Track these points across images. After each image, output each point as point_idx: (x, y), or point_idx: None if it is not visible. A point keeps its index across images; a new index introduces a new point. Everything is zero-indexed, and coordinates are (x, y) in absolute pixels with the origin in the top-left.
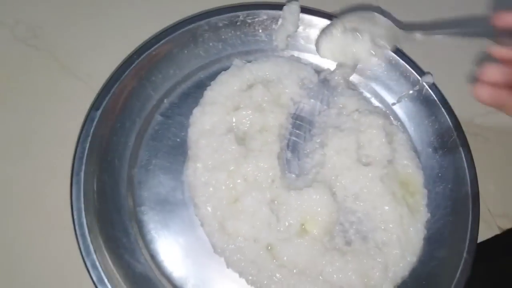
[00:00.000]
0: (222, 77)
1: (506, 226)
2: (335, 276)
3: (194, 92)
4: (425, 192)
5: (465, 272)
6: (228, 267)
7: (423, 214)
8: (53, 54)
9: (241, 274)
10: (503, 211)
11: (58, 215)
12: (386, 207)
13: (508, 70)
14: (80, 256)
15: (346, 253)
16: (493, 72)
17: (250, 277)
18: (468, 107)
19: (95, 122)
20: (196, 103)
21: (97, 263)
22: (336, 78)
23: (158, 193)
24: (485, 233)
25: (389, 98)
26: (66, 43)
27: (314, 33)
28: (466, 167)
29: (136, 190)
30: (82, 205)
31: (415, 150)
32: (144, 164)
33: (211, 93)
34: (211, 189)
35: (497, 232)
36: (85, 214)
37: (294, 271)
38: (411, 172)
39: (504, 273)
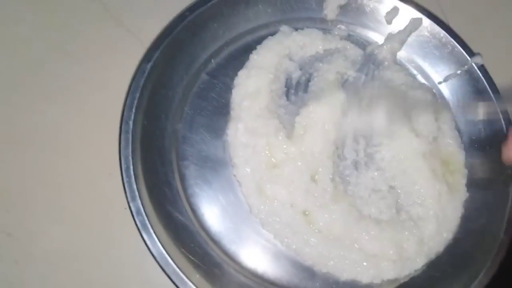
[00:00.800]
0: (269, 42)
1: None
2: (370, 244)
3: (241, 55)
4: (465, 172)
5: (501, 252)
6: (263, 228)
7: (462, 193)
8: (106, 6)
9: (275, 236)
10: None
11: (106, 160)
12: (425, 183)
13: None
14: (126, 202)
15: (381, 223)
16: None
17: (285, 239)
18: None
19: (145, 74)
20: (242, 65)
21: (142, 209)
22: (383, 52)
23: (201, 149)
24: None
25: (436, 77)
26: None
27: (365, 5)
28: None
29: (180, 144)
30: (130, 152)
31: (458, 130)
32: (189, 120)
33: (256, 57)
34: (250, 151)
35: None
36: (132, 161)
37: (330, 237)
38: (453, 151)
39: None
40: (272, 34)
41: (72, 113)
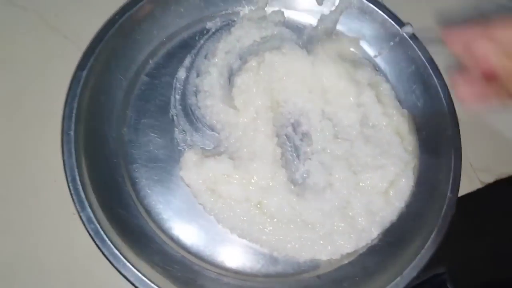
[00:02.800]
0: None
1: (488, 180)
2: (321, 221)
3: (179, 52)
4: (411, 139)
5: (449, 210)
6: (218, 223)
7: (411, 161)
8: (40, 14)
9: (232, 230)
10: (485, 165)
11: (49, 167)
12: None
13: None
14: (74, 208)
15: (331, 199)
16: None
17: (241, 232)
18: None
19: (81, 83)
20: (181, 63)
21: (93, 217)
22: (319, 33)
23: (148, 151)
24: (467, 187)
25: (371, 51)
26: (53, 3)
27: None
28: (448, 112)
29: (127, 148)
30: (74, 162)
31: (399, 100)
32: (133, 124)
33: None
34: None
35: (479, 186)
36: (78, 171)
37: (283, 221)
38: (397, 120)
39: (484, 228)
40: (208, 29)
41: (12, 123)
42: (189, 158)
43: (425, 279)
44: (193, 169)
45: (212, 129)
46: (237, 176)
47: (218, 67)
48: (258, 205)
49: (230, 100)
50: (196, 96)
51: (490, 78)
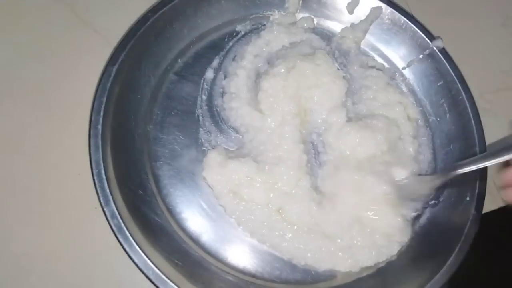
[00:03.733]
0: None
1: None
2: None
3: (208, 53)
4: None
5: (472, 228)
6: (239, 226)
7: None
8: (72, 7)
9: (252, 234)
10: None
11: (74, 161)
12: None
13: None
14: (96, 202)
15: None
16: None
17: (261, 237)
18: (477, 80)
19: (111, 77)
20: (209, 63)
21: (116, 212)
22: (347, 42)
23: (173, 149)
24: (490, 205)
25: (400, 62)
26: None
27: None
28: (475, 128)
29: (152, 145)
30: (101, 156)
31: (427, 112)
32: (159, 121)
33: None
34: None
35: (501, 204)
36: (103, 165)
37: (304, 229)
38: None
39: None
40: (238, 31)
41: (40, 115)
42: (213, 158)
43: None
44: (216, 169)
45: (236, 131)
46: (260, 180)
47: (246, 69)
48: (280, 211)
49: (256, 104)
50: (222, 98)
51: None
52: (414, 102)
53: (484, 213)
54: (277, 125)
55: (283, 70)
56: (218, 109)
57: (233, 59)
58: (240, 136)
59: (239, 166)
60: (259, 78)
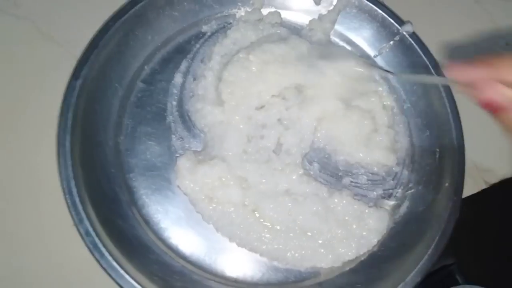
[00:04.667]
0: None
1: (492, 180)
2: (320, 229)
3: (175, 57)
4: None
5: (453, 214)
6: (217, 232)
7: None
8: (34, 22)
9: (231, 239)
10: (489, 166)
11: (47, 180)
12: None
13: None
14: (74, 224)
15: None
16: None
17: (240, 241)
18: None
19: (76, 92)
20: (177, 68)
21: (90, 229)
22: (317, 34)
23: (146, 159)
24: (472, 188)
25: (371, 50)
26: (46, 11)
27: None
28: (450, 112)
29: (124, 157)
30: (71, 174)
31: (401, 99)
32: (130, 132)
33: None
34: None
35: (484, 186)
36: (74, 183)
37: (282, 229)
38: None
39: (489, 228)
40: (203, 33)
41: (7, 134)
42: (182, 165)
43: (433, 270)
44: (188, 176)
45: (202, 132)
46: (232, 179)
47: (213, 71)
48: (255, 212)
49: (220, 101)
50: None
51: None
52: (389, 90)
53: (465, 197)
54: (239, 118)
55: (241, 55)
56: (189, 114)
57: (201, 61)
58: (206, 137)
59: (209, 170)
60: None
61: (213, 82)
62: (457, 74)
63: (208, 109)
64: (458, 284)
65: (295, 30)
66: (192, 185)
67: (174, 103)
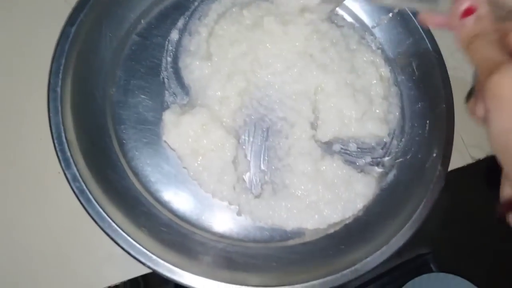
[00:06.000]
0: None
1: (479, 156)
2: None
3: (172, 13)
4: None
5: (438, 183)
6: (201, 188)
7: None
8: None
9: (213, 195)
10: (476, 141)
11: (36, 126)
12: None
13: None
14: (60, 167)
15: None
16: None
17: (224, 200)
18: (448, 38)
19: (70, 38)
20: (174, 24)
21: (78, 175)
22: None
23: (138, 112)
24: (458, 162)
25: (369, 21)
26: None
27: None
28: (443, 87)
29: (116, 109)
30: (60, 119)
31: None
32: (123, 84)
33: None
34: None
35: (470, 161)
36: (63, 128)
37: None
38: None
39: (465, 216)
40: None
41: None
42: (168, 119)
43: (409, 259)
44: (173, 130)
45: (188, 87)
46: (213, 125)
47: (208, 27)
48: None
49: (209, 56)
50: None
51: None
52: (384, 60)
53: (452, 170)
54: (224, 67)
55: (235, 9)
56: (180, 70)
57: (199, 19)
58: (191, 91)
59: (191, 118)
60: None
61: (206, 38)
62: None
63: (196, 64)
64: (432, 272)
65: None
66: (178, 139)
67: (169, 59)
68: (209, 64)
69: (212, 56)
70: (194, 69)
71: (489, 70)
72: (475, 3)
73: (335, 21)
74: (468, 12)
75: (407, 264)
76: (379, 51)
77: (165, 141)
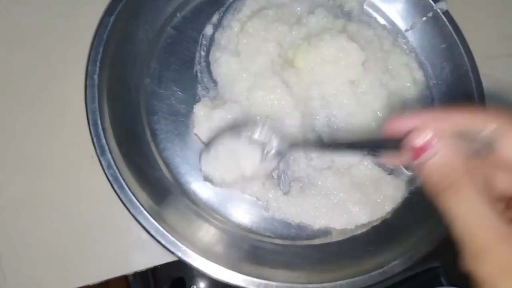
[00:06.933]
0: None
1: None
2: (336, 192)
3: (207, 8)
4: None
5: None
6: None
7: None
8: None
9: (242, 191)
10: None
11: (71, 110)
12: None
13: None
14: (93, 151)
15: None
16: None
17: (254, 196)
18: (481, 44)
19: (108, 28)
20: (209, 19)
21: (112, 162)
22: (350, 2)
23: (170, 104)
24: None
25: (402, 24)
26: None
27: None
28: (476, 93)
29: (149, 99)
30: (97, 106)
31: (429, 75)
32: (157, 75)
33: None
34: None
35: None
36: (99, 115)
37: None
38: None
39: None
40: None
41: (36, 62)
42: (198, 112)
43: (419, 272)
44: (204, 124)
45: (215, 82)
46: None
47: (240, 22)
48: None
49: (237, 52)
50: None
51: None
52: (418, 64)
53: None
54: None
55: (270, 12)
56: (210, 63)
57: (232, 14)
58: (218, 85)
59: (223, 114)
60: None
61: (237, 33)
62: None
63: (226, 58)
64: (443, 286)
65: None
66: (208, 133)
67: (203, 53)
68: (238, 59)
69: (240, 54)
70: (222, 63)
71: (482, 249)
72: (429, 136)
73: (369, 23)
74: (422, 150)
75: (417, 277)
76: (413, 54)
77: (195, 134)
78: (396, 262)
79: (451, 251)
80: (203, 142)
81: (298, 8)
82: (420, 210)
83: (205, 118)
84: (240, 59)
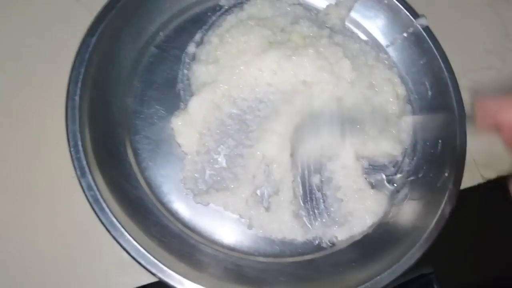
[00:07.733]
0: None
1: (490, 176)
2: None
3: (190, 27)
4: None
5: (449, 202)
6: (213, 203)
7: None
8: None
9: (225, 208)
10: (488, 161)
11: (52, 130)
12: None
13: None
14: (73, 171)
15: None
16: None
17: (236, 214)
18: (461, 59)
19: (90, 48)
20: (191, 37)
21: (93, 184)
22: (332, 19)
23: (153, 123)
24: (468, 182)
25: (383, 40)
26: None
27: None
28: (456, 107)
29: (131, 119)
30: (77, 128)
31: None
32: (139, 95)
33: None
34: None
35: (480, 181)
36: (80, 137)
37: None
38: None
39: (482, 222)
40: (221, 5)
41: (17, 82)
42: (176, 123)
43: (411, 278)
44: (184, 128)
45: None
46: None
47: (220, 37)
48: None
49: (215, 60)
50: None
51: None
52: (401, 79)
53: (463, 189)
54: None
55: (250, 22)
56: (188, 78)
57: (213, 31)
58: None
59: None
60: None
61: (216, 46)
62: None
63: (203, 69)
64: None
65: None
66: (189, 136)
67: (186, 71)
68: (216, 65)
69: (218, 61)
70: (200, 74)
71: None
72: None
73: (352, 38)
74: None
75: (410, 283)
76: (395, 69)
77: (179, 144)
78: (379, 277)
79: (443, 257)
80: (185, 153)
81: (282, 21)
82: (402, 223)
83: (183, 121)
84: (218, 64)
